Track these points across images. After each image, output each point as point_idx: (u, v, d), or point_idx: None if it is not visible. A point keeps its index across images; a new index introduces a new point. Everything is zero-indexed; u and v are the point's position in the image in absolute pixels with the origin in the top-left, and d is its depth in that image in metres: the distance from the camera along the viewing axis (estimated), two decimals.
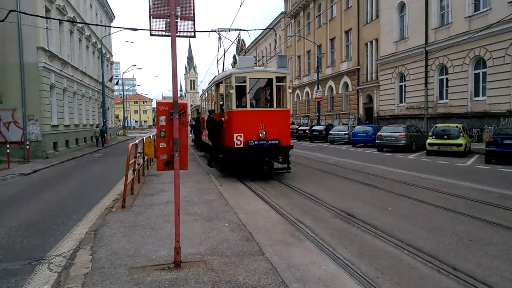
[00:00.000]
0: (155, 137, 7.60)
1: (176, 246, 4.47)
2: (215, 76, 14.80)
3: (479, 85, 21.26)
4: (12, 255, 5.33)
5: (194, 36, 4.91)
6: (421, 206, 7.63)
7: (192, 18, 4.75)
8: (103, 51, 34.47)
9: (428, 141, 17.52)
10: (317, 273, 4.49)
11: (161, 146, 4.70)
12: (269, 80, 11.70)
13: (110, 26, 35.87)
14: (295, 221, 6.72)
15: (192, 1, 4.73)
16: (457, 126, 17.34)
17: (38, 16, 17.65)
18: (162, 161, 4.72)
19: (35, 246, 5.70)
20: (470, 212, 6.97)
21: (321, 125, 32.40)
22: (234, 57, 62.39)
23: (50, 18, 20.83)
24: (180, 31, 4.72)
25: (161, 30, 4.67)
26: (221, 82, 12.45)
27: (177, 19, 4.63)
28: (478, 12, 20.89)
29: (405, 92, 27.38)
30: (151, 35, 4.71)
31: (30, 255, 5.30)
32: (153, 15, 4.58)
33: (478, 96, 21.27)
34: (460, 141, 16.42)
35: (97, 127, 31.25)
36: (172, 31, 4.58)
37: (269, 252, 4.95)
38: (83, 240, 5.55)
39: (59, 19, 22.04)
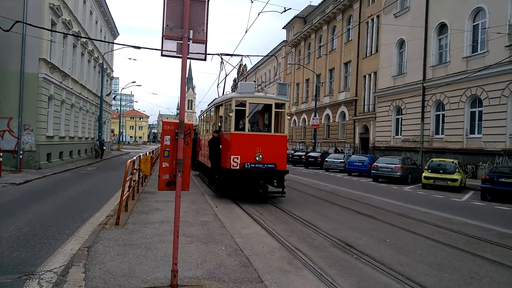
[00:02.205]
0: (158, 154, 7.50)
1: (174, 269, 4.32)
2: (215, 98, 14.92)
3: (475, 122, 21.59)
4: (1, 269, 5.12)
5: (205, 59, 4.92)
6: (420, 240, 7.54)
7: (204, 42, 4.77)
8: (104, 66, 34.68)
9: (424, 174, 17.58)
10: None
11: (164, 166, 4.62)
12: (268, 106, 11.88)
13: (114, 43, 36.29)
14: (293, 248, 6.58)
15: (205, 26, 4.77)
16: (453, 162, 17.46)
17: (43, 28, 17.79)
18: (164, 180, 4.63)
19: (25, 259, 5.48)
20: (470, 249, 6.89)
21: (317, 152, 32.48)
22: (235, 80, 63.06)
23: (55, 32, 21.00)
24: (191, 53, 4.74)
25: (172, 51, 4.69)
26: (222, 105, 12.59)
27: (189, 41, 4.65)
28: (475, 53, 21.46)
29: (401, 125, 27.70)
30: (162, 55, 4.71)
31: (20, 269, 5.08)
32: (166, 36, 4.59)
33: (474, 133, 21.55)
34: (456, 176, 16.50)
35: (97, 140, 32.03)
36: (184, 53, 4.58)
37: (267, 279, 4.81)
38: (75, 257, 5.36)
39: (64, 33, 22.22)
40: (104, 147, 32.88)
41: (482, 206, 12.73)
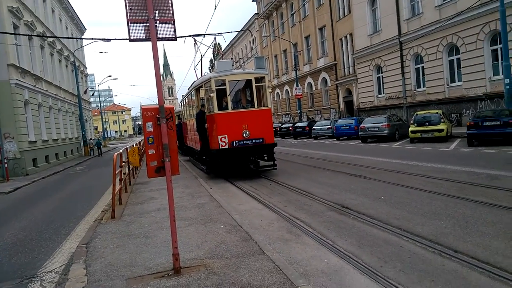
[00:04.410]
0: (144, 144, 7.41)
1: (174, 253, 4.32)
2: (194, 81, 14.70)
3: (455, 71, 21.76)
4: (1, 275, 5.08)
5: (175, 39, 4.77)
6: (413, 193, 7.68)
7: (172, 21, 4.61)
8: (77, 64, 33.75)
9: (410, 129, 17.78)
10: (320, 267, 4.42)
11: (150, 153, 4.55)
12: (248, 82, 11.78)
13: (81, 38, 35.14)
14: (291, 217, 6.65)
15: (170, 4, 4.60)
16: (437, 112, 17.65)
17: (6, 33, 17.14)
18: (153, 167, 4.57)
19: (25, 263, 5.45)
20: (462, 195, 7.05)
21: (304, 122, 32.52)
22: (211, 61, 62.21)
23: (19, 34, 20.23)
24: (161, 35, 4.58)
25: (140, 35, 4.52)
26: (201, 87, 12.43)
27: (156, 22, 4.49)
28: (447, 1, 21.37)
29: (383, 83, 27.80)
30: (130, 40, 4.53)
31: (21, 273, 5.06)
32: (131, 21, 4.42)
33: (454, 82, 21.76)
34: (441, 126, 16.72)
35: (91, 139, 34.93)
36: (152, 35, 4.44)
37: (269, 250, 4.86)
38: (75, 254, 5.34)
39: (28, 35, 21.42)
40: (102, 145, 35.09)
41: (470, 152, 12.99)
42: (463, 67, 20.75)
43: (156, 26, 4.48)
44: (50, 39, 26.65)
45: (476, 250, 4.51)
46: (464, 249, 4.55)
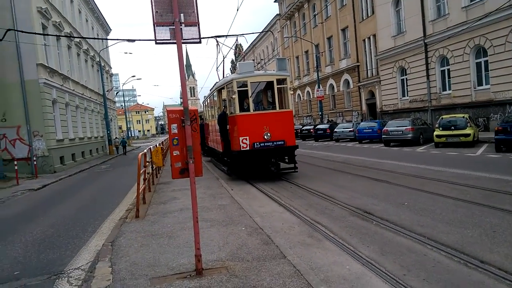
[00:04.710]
0: (168, 145, 7.53)
1: (197, 254, 4.39)
2: (216, 82, 14.85)
3: (482, 74, 21.12)
4: (30, 271, 5.28)
5: (200, 42, 4.85)
6: (437, 199, 7.52)
7: (196, 24, 4.69)
8: (102, 64, 34.59)
9: (435, 133, 17.38)
10: (341, 274, 4.40)
11: (174, 154, 4.63)
12: (270, 83, 11.81)
13: (107, 39, 35.97)
14: (312, 222, 6.63)
15: (195, 7, 4.68)
16: (463, 116, 17.21)
17: (35, 33, 17.73)
18: (177, 169, 4.65)
19: (52, 260, 5.64)
20: (489, 203, 6.85)
21: (325, 124, 32.28)
22: (232, 61, 62.41)
23: (47, 35, 20.90)
24: (185, 38, 4.67)
25: (166, 38, 4.62)
26: (223, 88, 12.54)
27: (181, 25, 4.57)
28: (474, 1, 20.78)
29: (407, 85, 27.26)
30: (156, 43, 4.64)
31: (48, 269, 5.24)
32: (157, 23, 4.53)
33: (482, 85, 21.12)
34: (468, 131, 16.28)
35: (116, 138, 36.78)
36: (177, 38, 4.52)
37: (290, 254, 4.87)
38: (100, 252, 5.50)
39: (56, 35, 22.11)
40: (127, 144, 37.04)
41: (498, 158, 12.60)
42: (491, 70, 20.12)
43: (181, 28, 4.57)
44: (77, 40, 27.42)
45: (503, 261, 4.39)
46: (491, 260, 4.44)
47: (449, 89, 23.43)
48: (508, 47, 18.87)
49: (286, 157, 12.08)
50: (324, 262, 4.77)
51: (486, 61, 20.60)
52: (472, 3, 20.89)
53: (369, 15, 31.35)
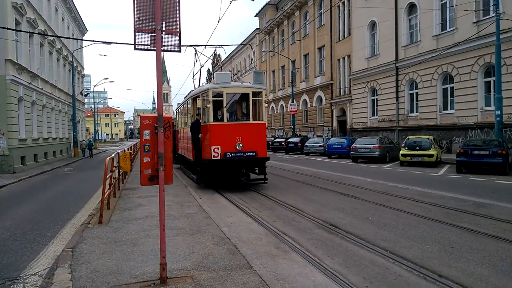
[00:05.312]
0: (136, 150, 7.40)
1: (162, 262, 4.31)
2: (191, 90, 14.80)
3: (448, 99, 22.19)
4: None
5: (179, 51, 4.83)
6: (401, 215, 7.76)
7: (178, 33, 4.69)
8: (75, 64, 33.69)
9: (401, 152, 18.00)
10: (306, 285, 4.44)
11: (145, 161, 4.58)
12: (246, 95, 11.91)
13: (83, 40, 35.16)
14: (279, 233, 6.66)
15: (178, 17, 4.67)
16: (428, 138, 17.93)
17: (7, 28, 17.10)
18: (146, 175, 4.58)
19: (8, 265, 5.36)
20: (449, 220, 7.15)
21: (296, 137, 32.71)
22: (209, 71, 62.39)
23: (20, 31, 20.17)
24: (165, 46, 4.65)
25: (145, 44, 4.58)
26: (198, 97, 12.52)
27: (162, 33, 4.56)
28: (445, 31, 21.93)
29: (377, 105, 28.17)
30: (135, 49, 4.59)
31: (3, 275, 4.97)
32: (138, 30, 4.48)
33: (447, 110, 22.16)
34: (432, 152, 16.96)
35: (83, 140, 35.85)
36: (157, 46, 4.50)
37: (256, 265, 4.87)
38: (60, 258, 5.28)
39: (29, 32, 21.38)
40: (93, 147, 35.82)
41: (458, 179, 13.17)
42: (456, 96, 21.18)
43: (162, 37, 4.55)
44: (51, 38, 26.63)
45: (460, 276, 4.58)
46: (449, 274, 4.61)
47: (417, 111, 24.40)
48: (473, 76, 19.96)
49: (257, 168, 12.14)
50: (289, 273, 4.80)
51: (452, 88, 21.68)
52: (443, 32, 22.01)
53: (345, 36, 32.34)
